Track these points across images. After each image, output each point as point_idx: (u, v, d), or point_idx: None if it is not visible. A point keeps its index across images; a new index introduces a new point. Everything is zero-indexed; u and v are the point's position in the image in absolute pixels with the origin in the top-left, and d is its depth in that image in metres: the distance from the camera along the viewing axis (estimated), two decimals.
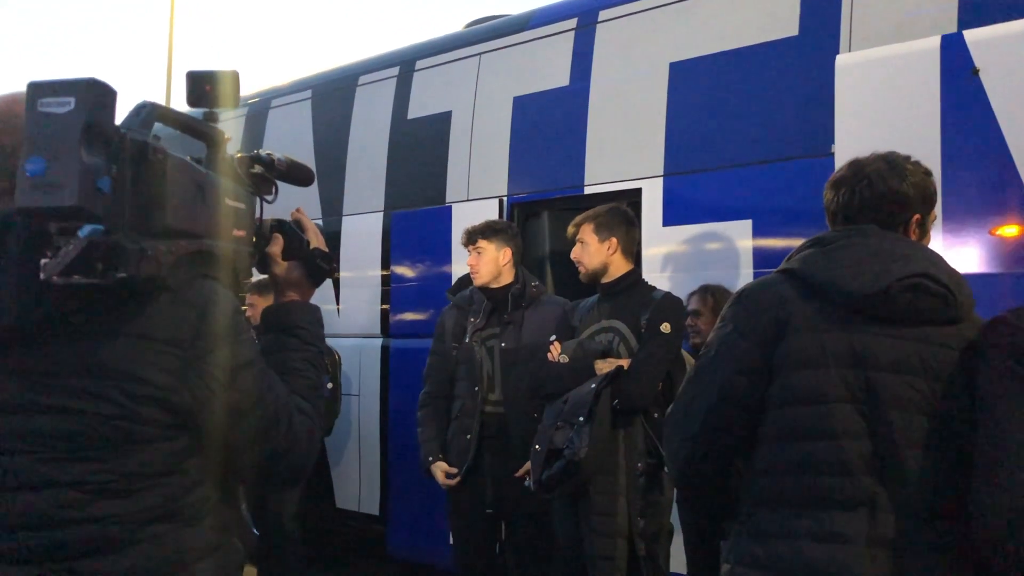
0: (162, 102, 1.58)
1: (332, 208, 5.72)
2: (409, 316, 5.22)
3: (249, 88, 6.72)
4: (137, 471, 1.39)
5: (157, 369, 1.40)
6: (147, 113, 1.44)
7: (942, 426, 1.74)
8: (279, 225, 1.73)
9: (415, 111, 5.34)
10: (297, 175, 1.78)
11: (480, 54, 5.05)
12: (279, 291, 1.75)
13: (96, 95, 1.27)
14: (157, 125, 1.45)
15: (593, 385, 3.09)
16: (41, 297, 1.33)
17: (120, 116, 1.36)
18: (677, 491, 2.20)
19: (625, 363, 3.15)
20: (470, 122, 4.99)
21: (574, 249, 3.42)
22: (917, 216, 1.91)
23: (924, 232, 1.94)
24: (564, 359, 3.29)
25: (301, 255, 1.73)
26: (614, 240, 3.34)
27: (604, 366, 3.16)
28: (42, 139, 1.24)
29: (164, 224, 1.36)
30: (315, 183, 5.79)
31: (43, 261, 1.26)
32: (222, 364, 1.44)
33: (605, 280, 3.36)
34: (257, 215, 1.69)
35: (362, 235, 5.51)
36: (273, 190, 1.74)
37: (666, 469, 3.12)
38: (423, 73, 5.38)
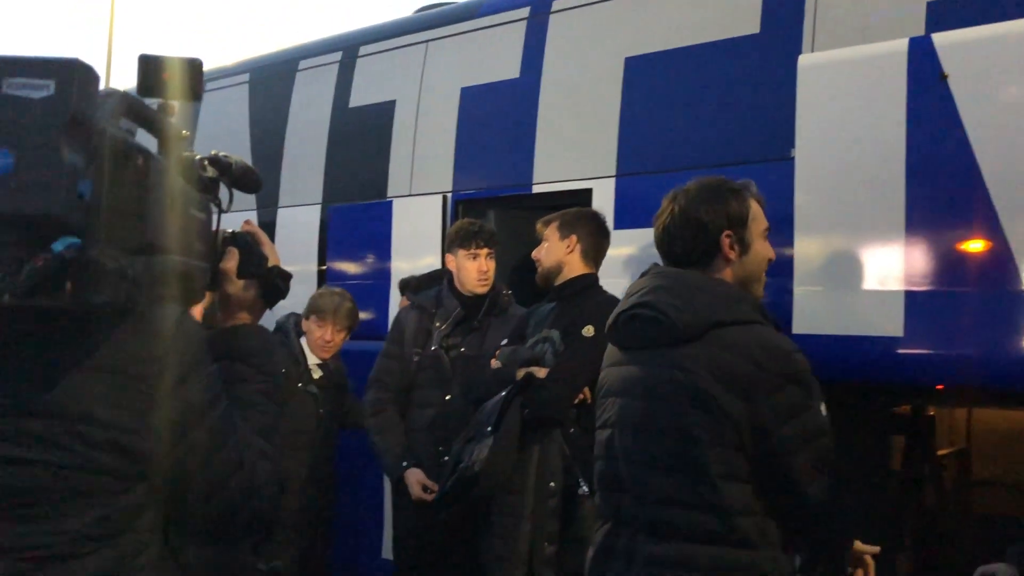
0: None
1: (267, 199, 5.43)
2: None
3: None
4: (85, 532, 1.17)
5: (118, 408, 1.18)
6: (115, 103, 1.21)
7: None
8: (234, 238, 1.51)
9: (357, 99, 5.08)
10: (248, 181, 1.56)
11: (427, 41, 4.80)
12: (229, 312, 1.51)
13: (81, 80, 1.05)
14: None
15: (504, 393, 2.85)
16: None
17: None
18: None
19: (542, 371, 2.91)
20: (415, 113, 4.75)
21: (536, 248, 3.21)
22: (728, 232, 1.98)
23: (745, 248, 2.00)
24: (499, 365, 3.06)
25: (259, 273, 1.51)
26: (574, 238, 3.13)
27: (521, 374, 2.93)
28: (9, 128, 1.02)
29: (141, 239, 1.15)
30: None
31: None
32: (189, 401, 1.24)
33: (558, 282, 3.13)
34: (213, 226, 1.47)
35: (298, 229, 5.22)
36: (227, 196, 1.52)
37: (581, 492, 2.93)
38: (367, 60, 5.12)
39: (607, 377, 2.07)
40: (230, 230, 1.53)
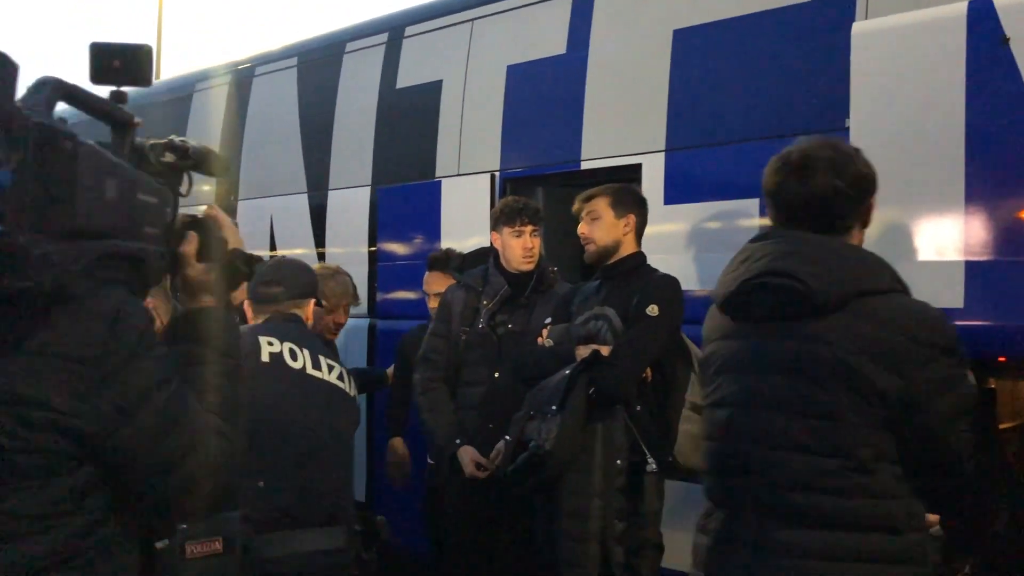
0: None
1: (318, 182, 5.49)
2: (397, 296, 5.00)
3: (234, 54, 6.49)
4: (28, 512, 1.20)
5: (58, 390, 1.19)
6: (51, 90, 1.24)
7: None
8: (193, 222, 1.53)
9: (404, 80, 5.09)
10: (209, 165, 1.57)
11: (472, 20, 4.79)
12: (191, 296, 1.53)
13: None
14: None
15: (568, 371, 2.85)
16: None
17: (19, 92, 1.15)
18: None
19: (606, 349, 2.91)
20: (461, 92, 4.75)
21: (582, 225, 3.16)
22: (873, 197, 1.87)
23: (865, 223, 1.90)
24: (549, 343, 3.07)
25: (219, 256, 1.53)
26: (632, 218, 3.14)
27: (584, 352, 2.91)
28: None
29: (72, 224, 1.17)
30: (301, 155, 5.59)
31: None
32: (134, 384, 1.26)
33: (610, 261, 3.13)
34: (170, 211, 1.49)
35: (349, 210, 5.28)
36: (186, 181, 1.54)
37: (649, 469, 2.93)
38: (413, 40, 5.12)
39: (718, 352, 1.91)
40: (192, 215, 1.54)
